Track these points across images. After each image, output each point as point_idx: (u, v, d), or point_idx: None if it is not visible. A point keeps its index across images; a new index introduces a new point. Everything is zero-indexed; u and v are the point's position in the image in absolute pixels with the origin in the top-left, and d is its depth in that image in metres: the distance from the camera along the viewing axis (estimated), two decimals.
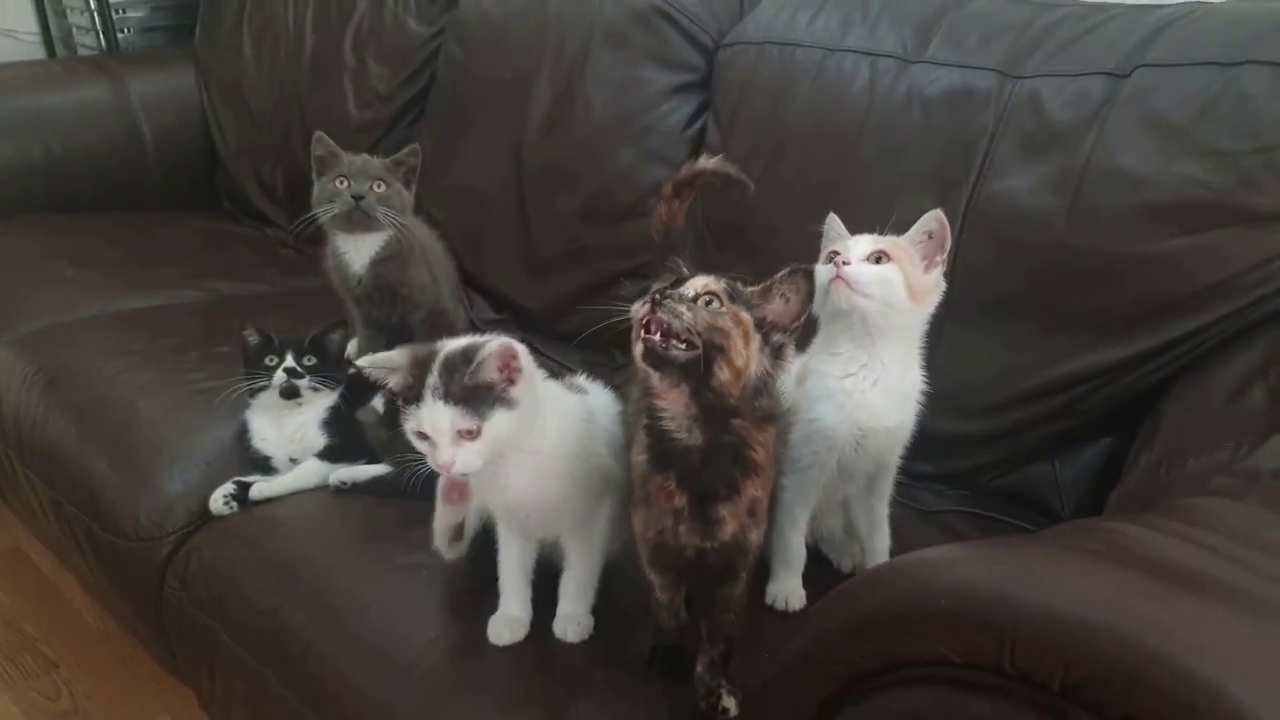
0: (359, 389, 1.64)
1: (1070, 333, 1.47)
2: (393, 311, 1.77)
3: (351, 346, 1.77)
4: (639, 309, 0.99)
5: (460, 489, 1.28)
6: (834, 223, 1.33)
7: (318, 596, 1.36)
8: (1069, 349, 1.47)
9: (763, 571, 1.29)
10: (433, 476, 1.24)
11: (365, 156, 1.70)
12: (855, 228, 1.64)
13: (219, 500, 1.54)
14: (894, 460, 1.30)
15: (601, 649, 1.23)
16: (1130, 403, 1.45)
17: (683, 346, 0.96)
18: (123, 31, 2.86)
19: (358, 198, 1.64)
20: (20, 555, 2.37)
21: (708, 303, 0.98)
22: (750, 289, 1.03)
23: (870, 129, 1.66)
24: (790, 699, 0.88)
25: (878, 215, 1.62)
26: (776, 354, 1.01)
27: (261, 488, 1.55)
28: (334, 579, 1.37)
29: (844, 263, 1.21)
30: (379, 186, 1.66)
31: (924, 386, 1.28)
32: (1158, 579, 0.76)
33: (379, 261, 1.71)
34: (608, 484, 1.22)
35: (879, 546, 1.33)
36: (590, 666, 1.21)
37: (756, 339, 0.99)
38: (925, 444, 1.60)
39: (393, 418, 1.55)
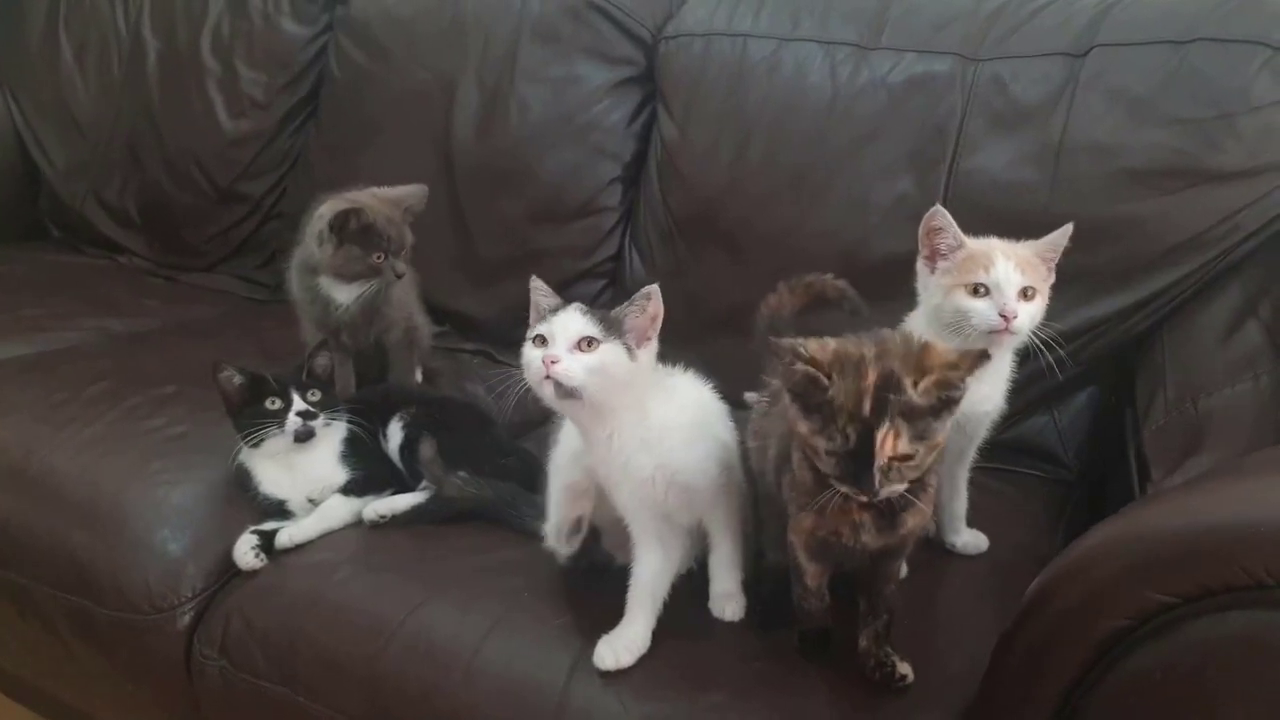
0: (370, 412, 1.54)
1: (1061, 293, 1.60)
2: (370, 333, 1.66)
3: None
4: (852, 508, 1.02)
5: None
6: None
7: (413, 641, 1.25)
8: (1061, 308, 1.58)
9: None
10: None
11: (395, 221, 1.60)
12: (832, 214, 1.73)
13: (248, 554, 1.39)
14: (982, 435, 1.37)
15: (745, 644, 1.22)
16: (1116, 352, 1.60)
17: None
18: None
19: (400, 276, 1.60)
20: None
21: (905, 460, 0.97)
22: (920, 382, 0.97)
23: (837, 116, 1.73)
24: (1069, 638, 0.91)
25: (854, 199, 1.72)
26: (950, 407, 0.99)
27: (290, 533, 1.41)
28: (425, 620, 1.27)
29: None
30: (406, 254, 1.61)
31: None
32: None
33: (368, 295, 1.63)
34: (731, 464, 1.24)
35: (958, 510, 1.40)
36: (741, 661, 1.19)
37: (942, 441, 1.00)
38: None
39: (414, 444, 1.50)
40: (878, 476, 0.97)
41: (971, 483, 1.59)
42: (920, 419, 0.96)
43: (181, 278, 2.25)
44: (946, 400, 0.97)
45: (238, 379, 1.46)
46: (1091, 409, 1.66)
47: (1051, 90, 1.61)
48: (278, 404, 1.45)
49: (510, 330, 1.96)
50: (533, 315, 1.20)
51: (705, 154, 1.82)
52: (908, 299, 1.34)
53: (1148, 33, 1.58)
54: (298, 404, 1.45)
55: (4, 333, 1.90)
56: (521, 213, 1.94)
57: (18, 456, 1.55)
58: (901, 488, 0.99)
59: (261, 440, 1.45)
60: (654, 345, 1.19)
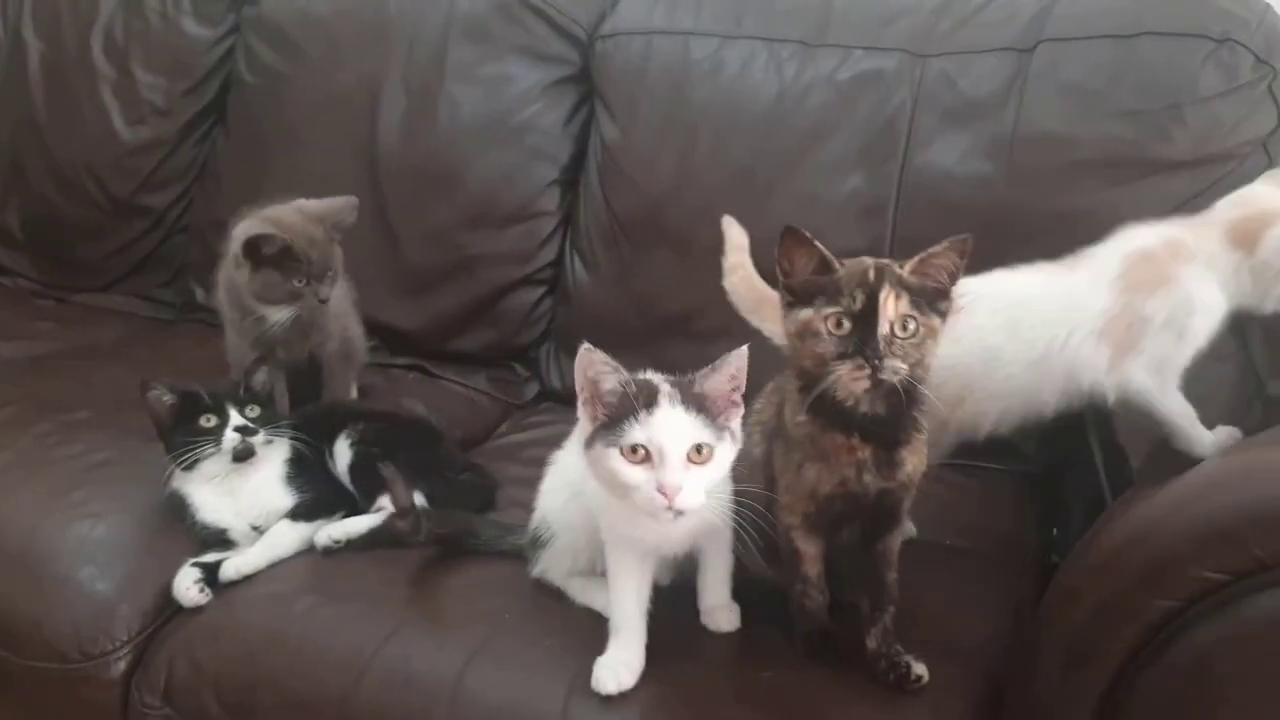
0: (315, 430, 1.43)
1: None
2: (306, 347, 1.55)
3: None
4: (853, 378, 0.99)
5: None
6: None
7: (389, 675, 1.15)
8: None
9: None
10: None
11: (318, 241, 1.48)
12: (783, 212, 1.69)
13: (190, 589, 1.27)
14: None
15: (743, 655, 1.17)
16: None
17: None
18: None
19: (324, 301, 1.48)
20: None
21: (905, 326, 0.99)
22: (906, 265, 1.03)
23: (785, 114, 1.71)
24: (1118, 624, 0.89)
25: (803, 196, 1.70)
26: (944, 317, 1.04)
27: (235, 564, 1.29)
28: (400, 651, 1.17)
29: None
30: (331, 273, 1.49)
31: None
32: None
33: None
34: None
35: None
36: (748, 673, 1.14)
37: (941, 329, 1.03)
38: None
39: (365, 462, 1.39)
40: (881, 343, 0.98)
41: (938, 479, 1.57)
42: (916, 294, 1.00)
43: (74, 299, 2.07)
44: (935, 289, 1.02)
45: (168, 397, 1.34)
46: None
47: (1001, 84, 1.61)
48: (213, 421, 1.34)
49: (443, 342, 1.91)
50: (592, 406, 1.02)
51: (650, 155, 1.76)
52: None
53: (1094, 27, 1.60)
54: (235, 419, 1.34)
55: None
56: (453, 218, 1.85)
57: None
58: (901, 367, 0.98)
59: (196, 461, 1.33)
60: (740, 409, 1.05)
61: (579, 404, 1.02)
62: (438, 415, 1.62)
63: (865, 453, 1.04)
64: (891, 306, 0.99)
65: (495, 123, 1.84)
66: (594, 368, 1.00)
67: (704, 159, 1.73)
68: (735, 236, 1.38)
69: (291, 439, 1.40)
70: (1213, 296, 1.20)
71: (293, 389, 1.60)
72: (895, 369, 0.98)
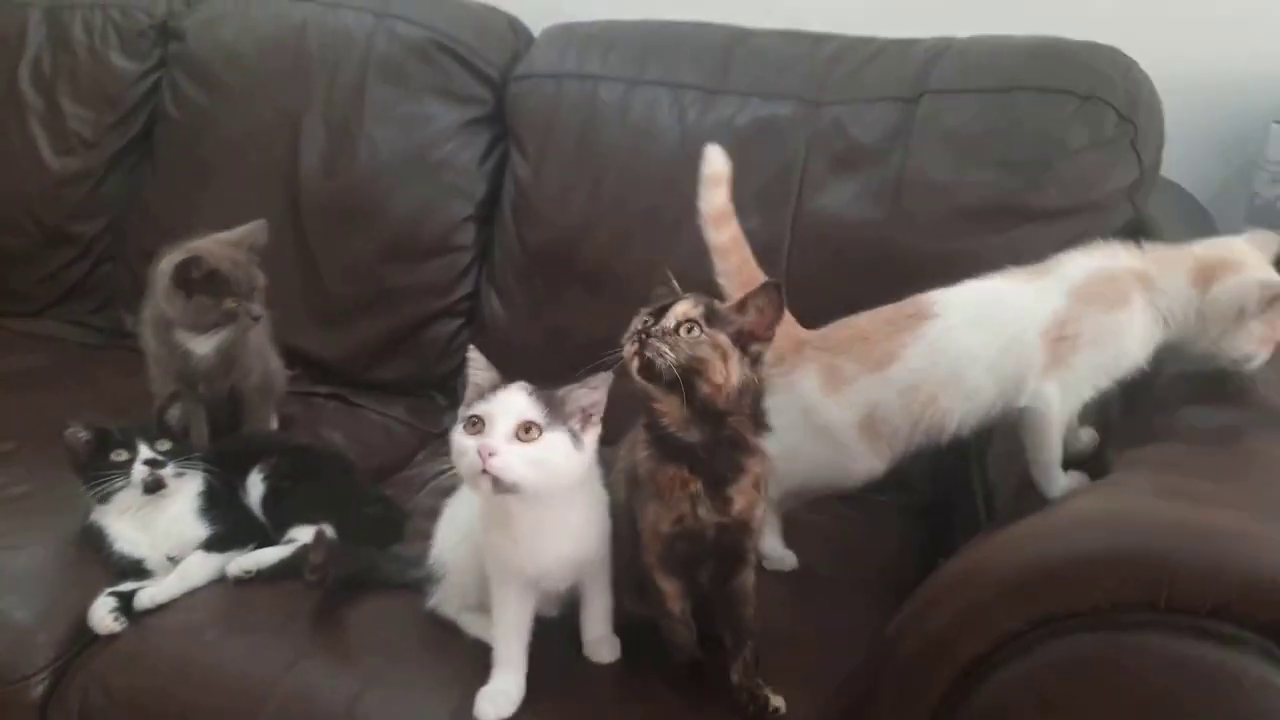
0: (229, 463, 1.49)
1: None
2: (227, 382, 1.62)
3: None
4: (628, 350, 1.10)
5: None
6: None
7: (290, 698, 1.23)
8: None
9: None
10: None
11: (243, 263, 1.56)
12: (683, 252, 1.76)
13: (105, 618, 1.32)
14: None
15: (624, 685, 1.25)
16: None
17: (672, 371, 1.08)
18: None
19: (257, 319, 1.55)
20: None
21: (689, 329, 1.09)
22: (726, 305, 1.14)
23: (687, 157, 1.75)
24: (936, 665, 0.98)
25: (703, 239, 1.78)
26: (755, 361, 1.13)
27: (150, 594, 1.35)
28: (301, 680, 1.24)
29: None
30: (258, 292, 1.56)
31: None
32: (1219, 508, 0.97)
33: (224, 343, 1.59)
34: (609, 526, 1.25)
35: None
36: (623, 703, 1.22)
37: (735, 355, 1.10)
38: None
39: (276, 495, 1.46)
40: (660, 330, 1.08)
41: (813, 507, 1.64)
42: (715, 316, 1.10)
43: (5, 323, 2.12)
44: (745, 330, 1.11)
45: (83, 434, 1.41)
46: None
47: (887, 132, 1.71)
48: (124, 455, 1.40)
49: (364, 371, 1.98)
50: (468, 393, 1.11)
51: (560, 194, 1.84)
52: None
53: (973, 80, 1.70)
54: (144, 453, 1.40)
55: None
56: (373, 251, 1.92)
57: None
58: (668, 353, 1.06)
59: (110, 494, 1.40)
60: (597, 430, 1.13)
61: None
62: (354, 445, 1.69)
63: (697, 486, 1.12)
64: (681, 308, 1.10)
65: (413, 159, 1.91)
66: (472, 365, 1.12)
67: (612, 198, 1.81)
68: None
69: (205, 471, 1.46)
70: (1147, 333, 1.26)
71: (214, 422, 1.66)
72: (659, 350, 1.06)
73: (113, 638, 1.33)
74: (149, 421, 1.46)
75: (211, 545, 1.42)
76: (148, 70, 2.09)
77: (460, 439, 1.07)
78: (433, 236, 1.91)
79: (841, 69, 1.78)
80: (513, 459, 1.05)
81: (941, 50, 1.76)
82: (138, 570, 1.41)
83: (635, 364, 1.09)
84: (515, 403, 1.08)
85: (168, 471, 1.41)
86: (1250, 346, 1.27)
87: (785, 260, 1.74)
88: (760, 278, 1.38)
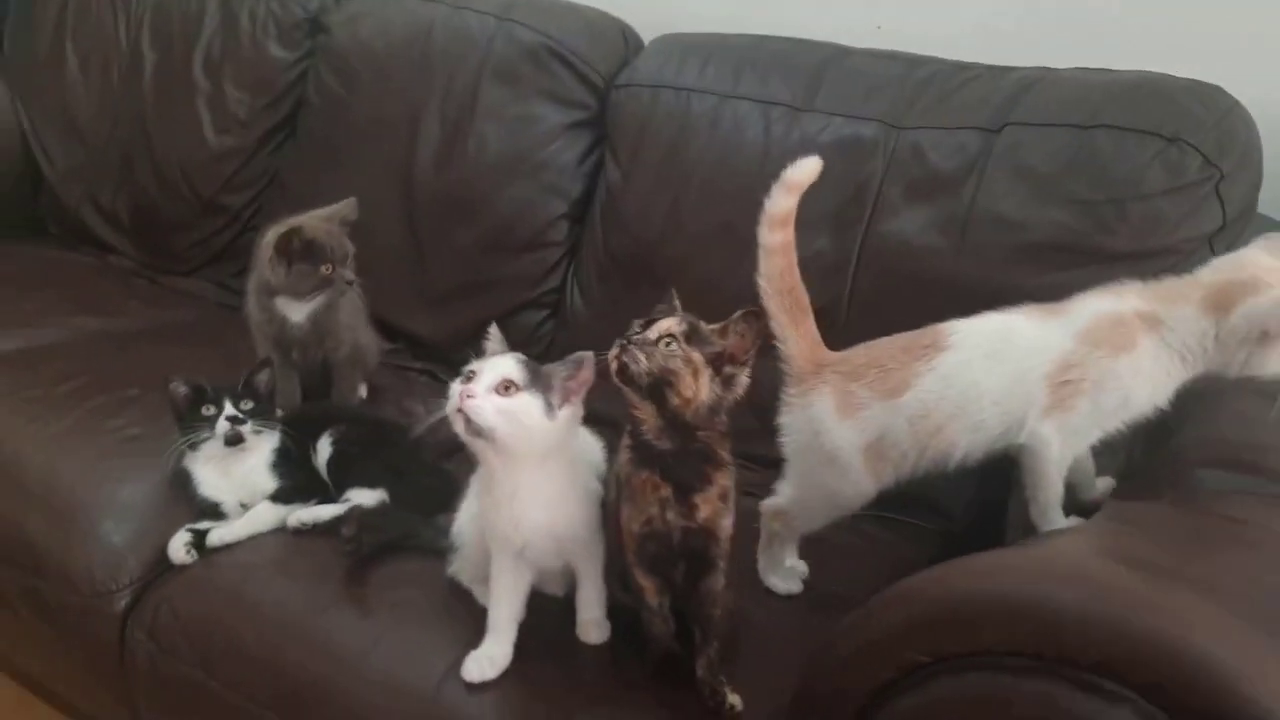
0: (304, 427, 1.66)
1: None
2: (320, 351, 1.79)
3: None
4: (612, 353, 1.18)
5: None
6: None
7: (315, 639, 1.39)
8: None
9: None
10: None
11: (337, 234, 1.73)
12: (753, 264, 1.83)
13: (180, 549, 1.52)
14: None
15: (605, 666, 1.35)
16: None
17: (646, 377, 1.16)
18: None
19: (350, 283, 1.71)
20: None
21: (668, 343, 1.16)
22: (711, 327, 1.20)
23: (768, 172, 1.79)
24: (847, 686, 1.03)
25: None
26: (728, 383, 1.20)
27: (220, 534, 1.54)
28: (328, 621, 1.41)
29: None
30: (352, 262, 1.72)
31: None
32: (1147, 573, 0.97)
33: (317, 312, 1.75)
34: (598, 513, 1.34)
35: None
36: (600, 681, 1.32)
37: (706, 373, 1.17)
38: None
39: (341, 459, 1.62)
40: (641, 339, 1.17)
41: (849, 529, 1.67)
42: (696, 335, 1.18)
43: (164, 280, 2.39)
44: (724, 352, 1.18)
45: (182, 389, 1.59)
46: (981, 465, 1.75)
47: (965, 162, 1.70)
48: (212, 410, 1.58)
49: (454, 351, 2.11)
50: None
51: (644, 201, 1.92)
52: None
53: (1058, 114, 1.66)
54: (228, 410, 1.58)
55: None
56: (474, 242, 2.05)
57: None
58: (643, 361, 1.15)
59: (197, 443, 1.58)
60: (577, 409, 1.25)
61: None
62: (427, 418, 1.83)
63: (666, 491, 1.20)
64: (665, 323, 1.18)
65: (517, 158, 2.03)
66: (490, 338, 1.29)
67: (691, 210, 1.88)
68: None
69: (281, 432, 1.63)
70: (1160, 375, 1.26)
71: (306, 387, 1.84)
72: (636, 357, 1.15)
73: (185, 567, 1.52)
74: (236, 384, 1.63)
75: (278, 497, 1.59)
76: (298, 59, 2.29)
77: (453, 385, 1.22)
78: (529, 231, 2.03)
79: (930, 94, 1.78)
80: (486, 405, 1.18)
81: (1035, 81, 1.73)
82: (215, 512, 1.59)
83: (615, 367, 1.17)
84: (503, 364, 1.22)
85: (246, 429, 1.58)
86: None
87: (850, 281, 1.76)
88: (799, 287, 1.43)
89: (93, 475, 1.64)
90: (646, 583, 1.28)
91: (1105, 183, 1.60)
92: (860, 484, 1.39)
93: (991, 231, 1.66)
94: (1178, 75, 1.67)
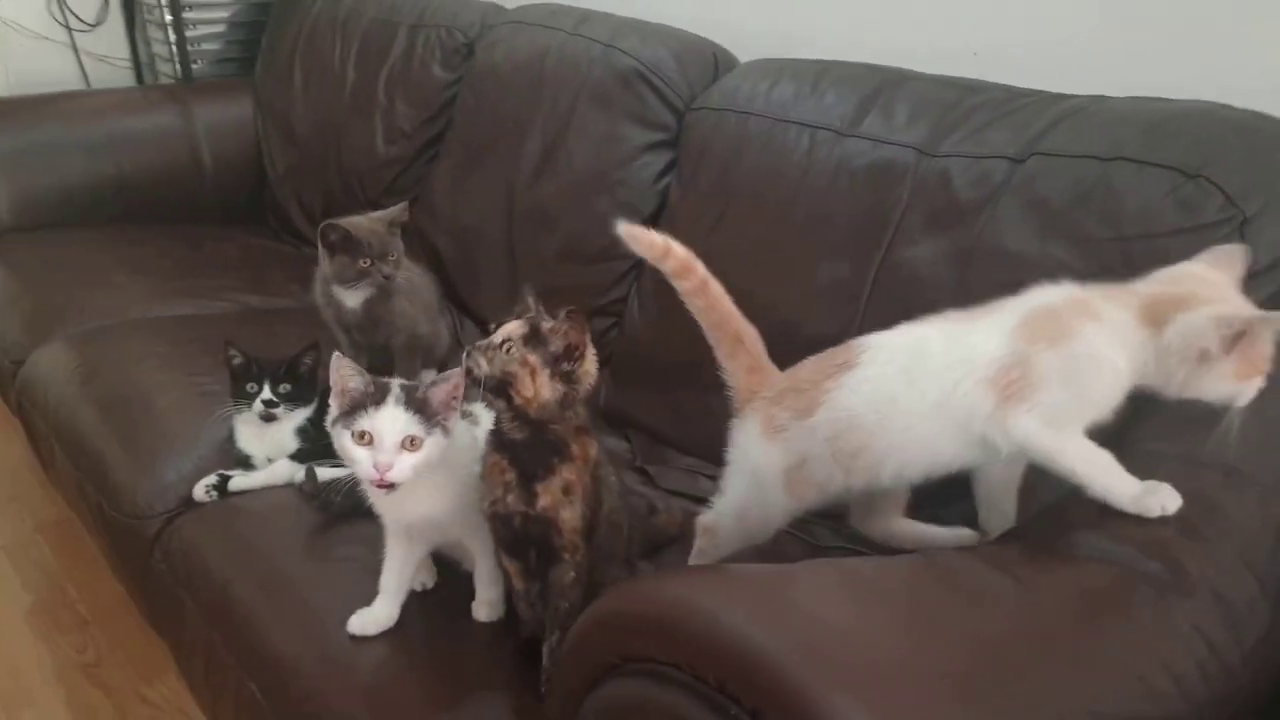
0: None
1: None
2: (377, 336, 1.99)
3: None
4: (464, 357, 1.27)
5: None
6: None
7: (265, 576, 1.57)
8: None
9: None
10: None
11: (377, 231, 1.90)
12: (779, 287, 1.81)
13: (201, 489, 1.76)
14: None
15: (488, 641, 1.43)
16: None
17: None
18: (197, 63, 3.16)
19: (388, 278, 1.89)
20: (70, 523, 2.58)
21: (508, 348, 1.23)
22: (549, 326, 1.26)
23: (804, 196, 1.81)
24: (569, 676, 1.07)
25: (801, 276, 1.80)
26: (567, 379, 1.25)
27: (239, 481, 1.77)
28: (281, 562, 1.59)
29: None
30: (394, 257, 1.90)
31: None
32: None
33: (370, 300, 1.93)
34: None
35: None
36: (474, 653, 1.41)
37: (545, 373, 1.23)
38: None
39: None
40: (486, 343, 1.25)
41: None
42: (534, 335, 1.25)
43: None
44: (557, 351, 1.24)
45: (237, 359, 1.81)
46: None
47: (987, 192, 1.60)
48: (254, 389, 1.80)
49: None
50: (343, 400, 1.29)
51: (695, 216, 1.96)
52: None
53: (1083, 145, 1.53)
54: (265, 393, 1.78)
55: (179, 295, 2.45)
56: (554, 250, 2.18)
57: (109, 385, 2.06)
58: (484, 363, 1.23)
59: (240, 411, 1.82)
60: (456, 413, 1.31)
61: (332, 395, 1.32)
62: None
63: (511, 475, 1.27)
64: (507, 328, 1.26)
65: (600, 175, 2.13)
66: (341, 372, 1.30)
67: (731, 230, 1.89)
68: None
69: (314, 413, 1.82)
70: (1115, 356, 1.15)
71: (372, 366, 2.04)
72: (478, 363, 1.24)
73: (204, 505, 1.76)
74: (281, 363, 1.81)
75: (297, 457, 1.79)
76: (453, 80, 2.53)
77: (353, 448, 1.27)
78: (602, 243, 2.10)
79: (974, 120, 1.68)
80: (404, 467, 1.27)
81: (1081, 109, 1.60)
82: (246, 463, 1.81)
83: (464, 370, 1.26)
84: (397, 420, 1.26)
85: (279, 410, 1.79)
86: (1226, 386, 1.12)
87: (862, 311, 1.71)
88: (731, 319, 1.48)
89: (170, 419, 1.93)
90: (510, 565, 1.35)
91: (1115, 219, 1.46)
92: (779, 506, 1.38)
93: (991, 266, 1.55)
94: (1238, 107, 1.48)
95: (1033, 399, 1.16)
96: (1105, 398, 1.16)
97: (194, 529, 1.73)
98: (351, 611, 1.44)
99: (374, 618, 1.42)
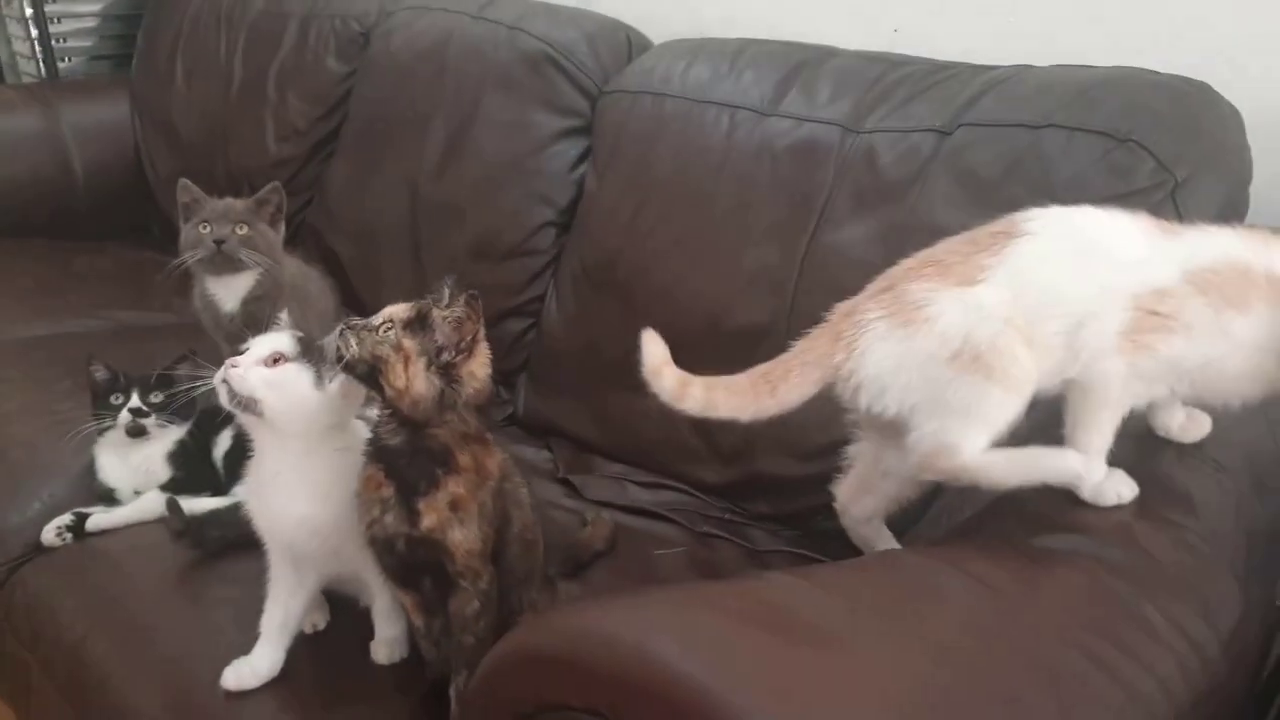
0: (208, 422, 1.67)
1: None
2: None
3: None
4: (331, 337, 1.13)
5: None
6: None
7: (125, 629, 1.40)
8: None
9: None
10: None
11: (229, 200, 1.75)
12: (704, 277, 1.72)
13: (51, 531, 1.56)
14: None
15: (381, 688, 1.29)
16: None
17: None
18: (64, 60, 2.94)
19: (219, 242, 1.69)
20: None
21: (387, 329, 1.10)
22: (440, 311, 1.12)
23: (725, 181, 1.73)
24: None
25: (726, 263, 1.71)
26: (446, 374, 1.11)
27: (99, 519, 1.57)
28: (144, 612, 1.42)
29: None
30: (241, 229, 1.71)
31: None
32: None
33: (250, 300, 1.76)
34: None
35: None
36: (370, 705, 1.26)
37: (420, 363, 1.09)
38: (761, 485, 1.66)
39: (237, 451, 1.59)
40: (358, 326, 1.11)
41: (769, 567, 1.54)
42: (419, 322, 1.11)
43: None
44: (446, 342, 1.10)
45: (100, 373, 1.63)
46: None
47: (915, 167, 1.55)
48: (120, 399, 1.61)
49: None
50: None
51: (611, 209, 1.87)
52: None
53: (1011, 114, 1.49)
54: (133, 402, 1.60)
55: (40, 314, 2.23)
56: (464, 247, 2.06)
57: None
58: (353, 346, 1.09)
59: (102, 429, 1.62)
60: (354, 387, 1.18)
61: None
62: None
63: (389, 491, 1.13)
64: (391, 309, 1.13)
65: (510, 165, 2.02)
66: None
67: (654, 218, 1.81)
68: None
69: (192, 424, 1.65)
70: (1254, 365, 1.04)
71: None
72: (348, 343, 1.10)
73: (55, 550, 1.55)
74: (150, 374, 1.64)
75: (169, 487, 1.60)
76: (349, 73, 2.38)
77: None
78: (515, 239, 2.01)
79: (899, 94, 1.63)
80: (250, 375, 1.17)
81: (1006, 78, 1.56)
82: (110, 498, 1.61)
83: (334, 352, 1.12)
84: (274, 338, 1.21)
85: (150, 421, 1.60)
86: None
87: (791, 297, 1.63)
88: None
89: (14, 455, 1.72)
90: (404, 599, 1.21)
91: (1046, 187, 1.41)
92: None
93: (925, 243, 1.45)
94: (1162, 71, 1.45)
95: (1155, 348, 1.04)
96: (1205, 390, 1.07)
97: (41, 579, 1.54)
98: (227, 663, 1.27)
99: (252, 669, 1.26)
